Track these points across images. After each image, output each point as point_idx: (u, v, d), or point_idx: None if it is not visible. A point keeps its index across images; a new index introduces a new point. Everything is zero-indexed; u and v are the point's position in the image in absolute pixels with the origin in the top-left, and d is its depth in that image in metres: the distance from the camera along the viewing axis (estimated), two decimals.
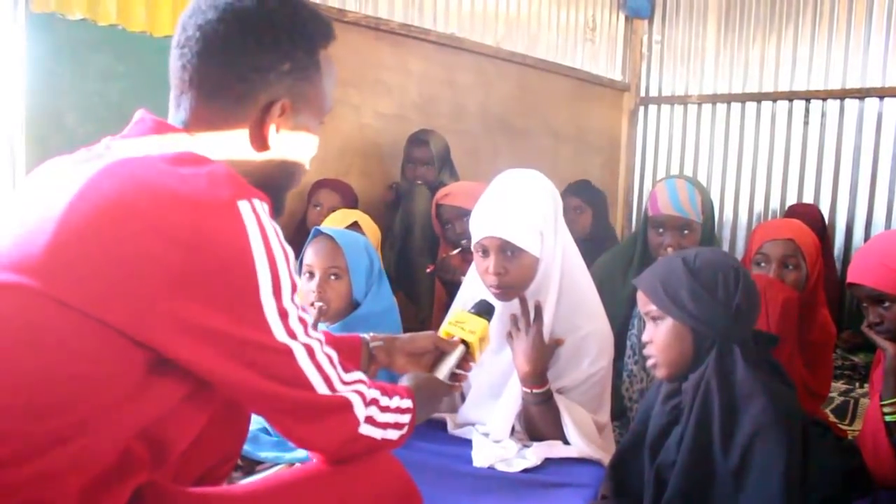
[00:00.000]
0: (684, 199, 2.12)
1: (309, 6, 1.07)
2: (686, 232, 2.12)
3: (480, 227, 1.64)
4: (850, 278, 1.64)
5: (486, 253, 1.65)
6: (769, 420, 1.23)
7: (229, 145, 1.00)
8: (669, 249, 2.10)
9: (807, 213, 3.34)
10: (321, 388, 0.95)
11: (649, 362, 1.42)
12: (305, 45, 1.03)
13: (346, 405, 0.99)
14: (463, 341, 1.51)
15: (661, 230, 2.15)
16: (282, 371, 0.92)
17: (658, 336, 1.38)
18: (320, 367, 0.95)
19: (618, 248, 2.48)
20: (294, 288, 0.92)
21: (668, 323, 1.36)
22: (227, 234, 0.85)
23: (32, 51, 2.20)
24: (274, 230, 0.89)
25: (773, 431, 1.23)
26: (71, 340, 0.82)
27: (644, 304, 1.41)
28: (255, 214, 0.87)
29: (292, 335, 0.92)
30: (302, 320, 0.93)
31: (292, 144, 1.06)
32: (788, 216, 3.52)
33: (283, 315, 0.90)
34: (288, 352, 0.91)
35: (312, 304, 1.75)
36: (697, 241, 2.13)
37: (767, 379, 1.30)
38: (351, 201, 2.97)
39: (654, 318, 1.39)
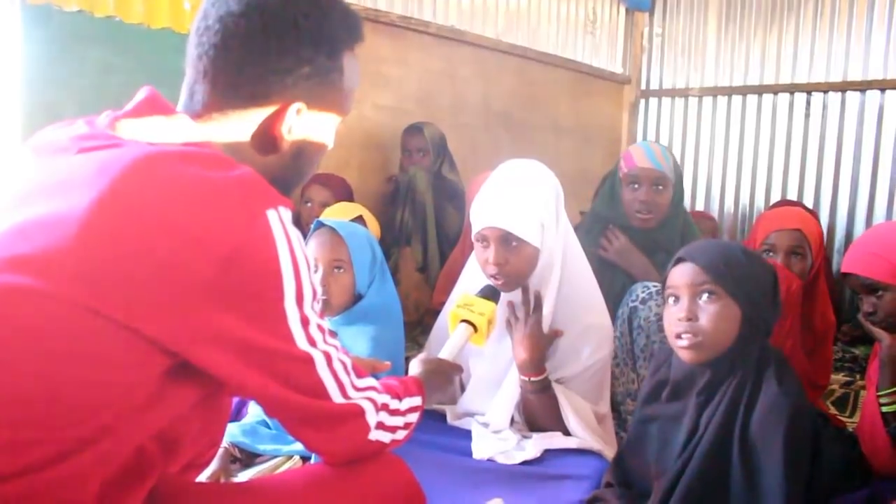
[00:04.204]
0: (659, 155, 2.15)
1: (341, 5, 1.03)
2: (660, 187, 2.14)
3: (481, 218, 1.64)
4: (844, 268, 1.64)
5: (486, 243, 1.64)
6: (791, 434, 1.25)
7: (241, 140, 0.99)
8: (641, 211, 2.12)
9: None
10: (336, 397, 0.96)
11: (687, 341, 1.33)
12: (329, 48, 1.00)
13: (359, 412, 1.00)
14: (471, 323, 1.52)
15: (635, 185, 2.15)
16: (301, 380, 0.92)
17: (707, 314, 1.32)
18: (336, 375, 0.95)
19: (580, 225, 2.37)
20: (315, 295, 0.92)
21: (722, 303, 1.32)
22: (259, 247, 0.84)
23: (29, 43, 2.19)
24: (297, 238, 0.89)
25: (789, 444, 1.25)
26: (98, 348, 0.80)
27: (696, 277, 1.34)
28: (281, 224, 0.87)
29: (312, 343, 0.91)
30: (321, 327, 0.93)
31: (305, 144, 1.04)
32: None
33: (305, 323, 0.90)
34: (308, 360, 0.92)
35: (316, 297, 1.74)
36: (670, 200, 2.15)
37: (793, 390, 1.31)
38: (344, 195, 2.86)
39: (707, 295, 1.33)
